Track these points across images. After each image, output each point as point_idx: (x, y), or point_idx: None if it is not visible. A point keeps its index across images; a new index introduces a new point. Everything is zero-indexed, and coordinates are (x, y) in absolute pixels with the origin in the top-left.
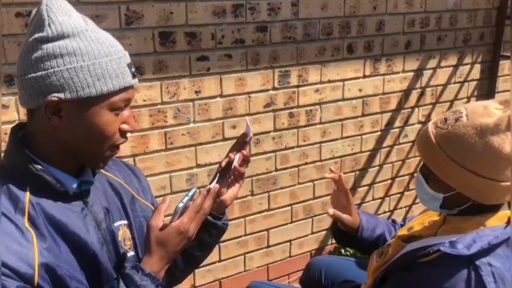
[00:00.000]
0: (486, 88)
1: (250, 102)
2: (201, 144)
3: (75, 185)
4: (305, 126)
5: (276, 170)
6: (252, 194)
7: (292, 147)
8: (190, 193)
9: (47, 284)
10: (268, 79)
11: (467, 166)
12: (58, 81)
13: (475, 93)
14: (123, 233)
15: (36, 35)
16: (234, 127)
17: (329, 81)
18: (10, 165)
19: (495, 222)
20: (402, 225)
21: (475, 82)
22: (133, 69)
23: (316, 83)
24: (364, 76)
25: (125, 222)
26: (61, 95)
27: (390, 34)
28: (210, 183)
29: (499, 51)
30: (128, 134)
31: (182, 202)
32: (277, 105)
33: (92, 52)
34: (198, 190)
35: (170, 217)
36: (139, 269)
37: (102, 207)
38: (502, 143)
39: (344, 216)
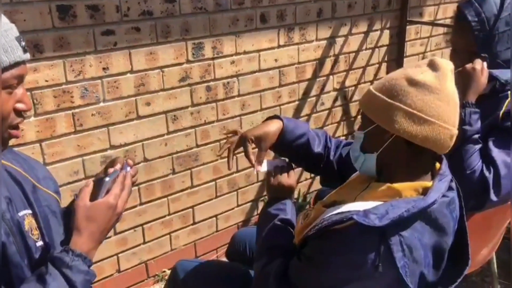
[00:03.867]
0: (396, 53)
1: (164, 77)
2: (113, 124)
3: None
4: (223, 99)
5: (197, 146)
6: (174, 172)
7: (212, 122)
8: (114, 173)
9: None
10: (181, 52)
11: (382, 93)
12: None
13: (386, 58)
14: (28, 222)
15: None
16: (148, 104)
17: (245, 52)
18: None
19: (411, 193)
20: (346, 144)
21: (385, 48)
22: (23, 43)
23: (231, 55)
24: (279, 46)
25: (29, 211)
26: None
27: (302, 3)
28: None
29: (406, 17)
30: (26, 114)
31: (108, 177)
32: (192, 79)
33: None
34: (119, 172)
35: None
36: (68, 250)
37: (4, 197)
38: (416, 73)
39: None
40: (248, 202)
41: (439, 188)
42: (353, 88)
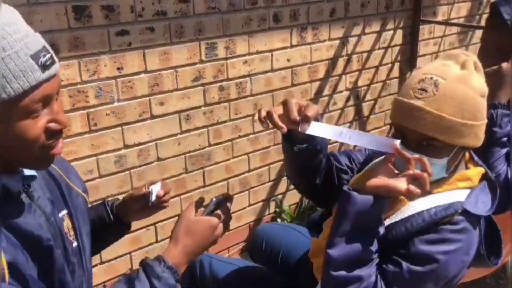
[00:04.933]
0: (409, 53)
1: (177, 77)
2: (127, 123)
3: (19, 184)
4: (236, 99)
5: (210, 145)
6: (186, 172)
7: (224, 121)
8: (219, 198)
9: (17, 283)
10: (194, 52)
11: (466, 118)
12: None
13: (399, 58)
14: (67, 223)
15: None
16: (162, 103)
17: (257, 52)
18: None
19: (478, 178)
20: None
21: (398, 47)
22: (45, 57)
23: (244, 55)
24: (292, 46)
25: (66, 211)
26: None
27: (314, 2)
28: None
29: (419, 16)
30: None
31: (215, 199)
32: (206, 79)
33: None
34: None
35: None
36: (161, 260)
37: (48, 199)
38: (481, 85)
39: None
40: (260, 201)
41: (487, 171)
42: (365, 87)
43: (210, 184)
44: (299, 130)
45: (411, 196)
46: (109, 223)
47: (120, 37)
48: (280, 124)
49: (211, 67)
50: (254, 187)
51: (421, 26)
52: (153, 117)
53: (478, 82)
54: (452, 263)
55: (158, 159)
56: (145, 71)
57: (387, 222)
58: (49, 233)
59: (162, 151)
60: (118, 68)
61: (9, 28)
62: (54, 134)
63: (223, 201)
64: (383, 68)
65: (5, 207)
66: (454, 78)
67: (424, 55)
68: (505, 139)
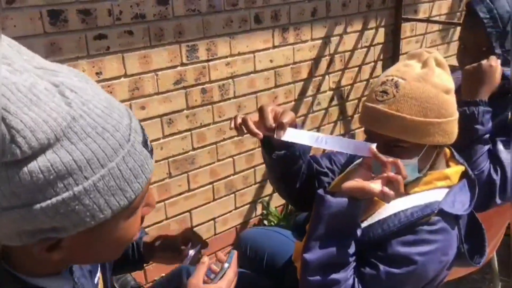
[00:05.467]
0: (391, 51)
1: (158, 80)
2: None
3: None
4: (219, 101)
5: (193, 149)
6: (170, 176)
7: (208, 124)
8: (232, 255)
9: None
10: (175, 54)
11: (431, 117)
12: (51, 217)
13: (381, 57)
14: (100, 286)
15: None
16: (143, 107)
17: (239, 54)
18: None
19: (457, 177)
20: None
21: (380, 46)
22: (148, 138)
23: (226, 56)
24: (274, 47)
25: (100, 272)
26: (60, 234)
27: (296, 2)
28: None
29: (401, 14)
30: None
31: (227, 263)
32: (187, 82)
33: (94, 159)
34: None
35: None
36: None
37: (87, 271)
38: (444, 81)
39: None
40: (246, 204)
41: (467, 169)
42: (349, 87)
43: (195, 189)
44: (275, 136)
45: (385, 198)
46: (131, 260)
47: (98, 41)
48: (255, 130)
49: (193, 70)
50: (240, 189)
51: (403, 24)
52: None
53: (440, 78)
54: (431, 264)
55: None
56: (125, 75)
57: (364, 224)
58: None
59: None
60: (97, 73)
61: (113, 113)
62: (143, 220)
63: (200, 249)
64: (366, 67)
65: None
66: (414, 77)
67: (407, 53)
68: (487, 136)
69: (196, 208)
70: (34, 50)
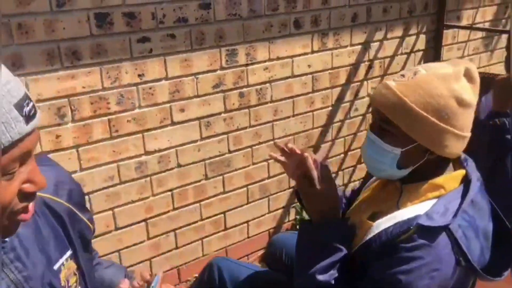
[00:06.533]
0: (432, 58)
1: (198, 84)
2: (148, 130)
3: None
4: (256, 105)
5: (229, 152)
6: (206, 178)
7: (244, 128)
8: (156, 279)
9: None
10: (215, 58)
11: (429, 113)
12: None
13: (422, 63)
14: (66, 271)
15: None
16: (182, 110)
17: (278, 58)
18: None
19: (453, 184)
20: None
21: (421, 53)
22: (28, 106)
23: (264, 61)
24: (313, 52)
25: (70, 252)
26: None
27: (336, 8)
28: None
29: (443, 21)
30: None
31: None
32: (226, 85)
33: None
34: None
35: None
36: None
37: (41, 257)
38: (462, 91)
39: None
40: (280, 208)
41: (474, 172)
42: None
43: (230, 191)
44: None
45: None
46: None
47: (141, 44)
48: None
49: (232, 74)
50: (274, 194)
51: (444, 31)
52: (173, 123)
53: (460, 86)
54: (419, 281)
55: (178, 165)
56: (166, 78)
57: (354, 248)
58: None
59: (182, 158)
60: (139, 75)
61: None
62: (27, 197)
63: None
64: None
65: None
66: (437, 74)
67: (448, 60)
68: None
69: (230, 210)
70: (81, 52)
